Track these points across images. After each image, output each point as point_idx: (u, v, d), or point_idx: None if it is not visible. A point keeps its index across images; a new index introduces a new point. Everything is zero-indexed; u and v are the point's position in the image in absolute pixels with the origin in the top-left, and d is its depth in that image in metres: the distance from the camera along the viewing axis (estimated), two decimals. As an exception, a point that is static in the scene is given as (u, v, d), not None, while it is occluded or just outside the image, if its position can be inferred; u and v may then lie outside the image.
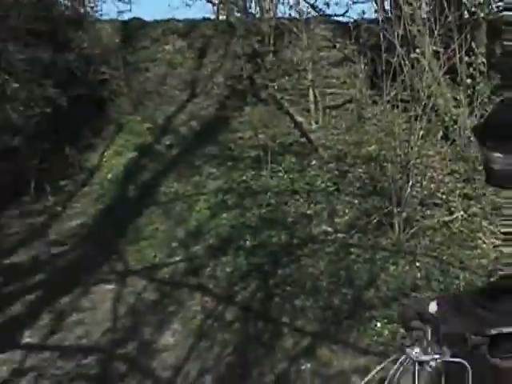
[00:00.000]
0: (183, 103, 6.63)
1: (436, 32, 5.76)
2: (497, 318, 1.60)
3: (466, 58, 5.80)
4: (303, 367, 3.95)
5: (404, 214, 4.96)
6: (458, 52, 5.76)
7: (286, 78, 6.39)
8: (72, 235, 5.24)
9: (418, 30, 6.22)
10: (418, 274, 4.68)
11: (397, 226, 4.95)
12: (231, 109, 6.35)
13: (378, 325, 4.23)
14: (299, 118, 6.07)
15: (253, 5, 6.75)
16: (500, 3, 5.81)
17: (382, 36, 5.58)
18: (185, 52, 7.26)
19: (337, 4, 6.91)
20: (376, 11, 6.59)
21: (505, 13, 1.49)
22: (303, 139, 5.97)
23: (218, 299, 4.53)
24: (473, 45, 5.89)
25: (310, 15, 6.40)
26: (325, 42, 6.88)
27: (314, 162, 5.67)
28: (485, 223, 5.01)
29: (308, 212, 5.22)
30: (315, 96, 6.04)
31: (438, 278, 4.53)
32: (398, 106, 5.35)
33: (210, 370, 4.07)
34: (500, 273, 1.74)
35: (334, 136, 5.94)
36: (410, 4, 6.23)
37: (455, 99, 5.86)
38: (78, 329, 4.30)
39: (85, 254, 5.02)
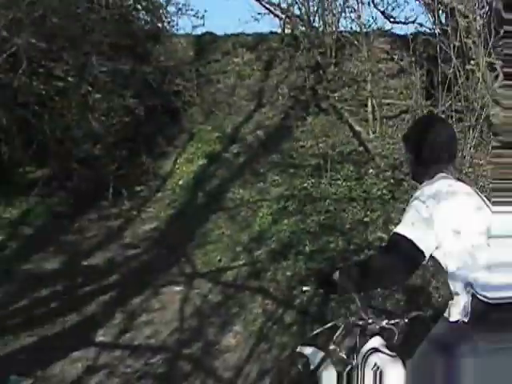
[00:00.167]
0: (250, 113, 6.17)
1: (490, 43, 5.01)
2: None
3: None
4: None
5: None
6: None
7: (347, 88, 5.81)
8: (145, 238, 4.87)
9: (474, 42, 5.45)
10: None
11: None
12: (294, 118, 5.80)
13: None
14: (358, 128, 5.47)
15: (316, 19, 6.20)
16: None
17: (438, 48, 4.87)
18: (253, 64, 6.81)
19: (395, 18, 6.09)
20: (433, 24, 5.79)
21: None
22: (361, 148, 5.36)
23: (277, 302, 4.00)
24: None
25: (370, 29, 5.76)
26: (383, 54, 6.23)
27: (371, 170, 5.06)
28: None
29: (364, 219, 4.62)
30: (373, 106, 5.39)
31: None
32: (452, 117, 4.69)
33: (270, 372, 3.57)
34: None
35: (390, 145, 5.30)
36: (466, 16, 5.47)
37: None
38: (148, 328, 3.88)
39: (156, 257, 4.63)
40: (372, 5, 5.69)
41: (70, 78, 5.07)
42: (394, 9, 5.82)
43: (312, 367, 2.20)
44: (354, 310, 2.18)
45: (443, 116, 4.81)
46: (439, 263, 1.93)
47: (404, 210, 4.69)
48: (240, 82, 6.53)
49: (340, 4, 5.94)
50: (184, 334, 3.85)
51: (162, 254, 4.64)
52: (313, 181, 5.03)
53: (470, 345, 1.73)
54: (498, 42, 5.36)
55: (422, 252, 1.86)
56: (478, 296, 1.80)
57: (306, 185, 5.02)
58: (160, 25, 6.14)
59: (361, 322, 2.10)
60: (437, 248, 1.89)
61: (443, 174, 2.03)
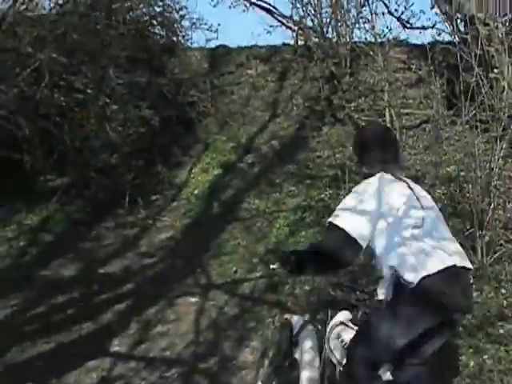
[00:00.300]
0: (265, 123, 6.07)
1: (516, 51, 4.84)
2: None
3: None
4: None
5: (487, 238, 4.04)
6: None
7: (363, 98, 5.64)
8: (161, 247, 4.78)
9: (496, 50, 5.27)
10: (504, 302, 3.76)
11: (479, 249, 4.03)
12: (310, 129, 5.66)
13: (463, 357, 3.37)
14: (376, 138, 5.27)
15: (330, 30, 6.12)
16: None
17: (458, 56, 4.69)
18: (267, 75, 6.71)
19: (411, 26, 5.97)
20: (451, 32, 5.63)
21: None
22: (380, 159, 5.17)
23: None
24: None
25: (385, 38, 5.63)
26: (400, 64, 6.07)
27: (391, 181, 4.85)
28: None
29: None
30: (391, 116, 5.22)
31: (526, 306, 3.60)
32: (477, 127, 4.47)
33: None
34: None
35: (411, 156, 5.09)
36: (487, 24, 5.30)
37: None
38: (163, 340, 3.77)
39: (171, 266, 4.53)
40: (387, 12, 5.56)
41: (89, 91, 5.10)
42: (409, 18, 5.70)
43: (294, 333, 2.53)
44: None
45: (467, 126, 4.64)
46: (369, 248, 2.18)
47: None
48: (254, 93, 6.46)
49: (353, 15, 5.87)
50: (200, 348, 3.72)
51: (177, 263, 4.53)
52: (330, 192, 4.85)
53: (388, 319, 2.11)
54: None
55: (355, 239, 2.10)
56: (399, 279, 2.10)
57: (323, 196, 4.85)
58: (175, 39, 6.18)
59: (330, 298, 2.38)
60: (369, 234, 2.14)
61: (382, 173, 2.28)
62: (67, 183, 5.27)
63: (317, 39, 6.01)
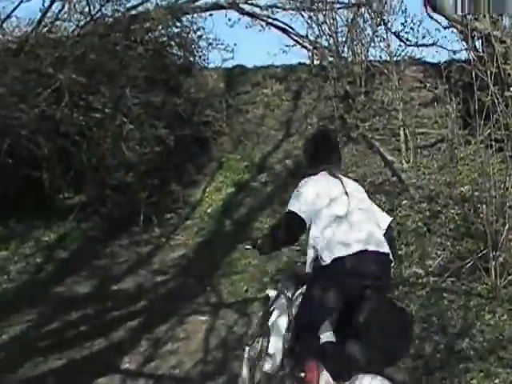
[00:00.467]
0: (279, 142, 6.18)
1: (532, 69, 4.83)
2: None
3: None
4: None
5: (500, 259, 4.02)
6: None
7: (377, 118, 5.69)
8: (173, 265, 4.91)
9: (513, 68, 5.25)
10: (518, 325, 3.73)
11: (493, 271, 4.01)
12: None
13: (474, 381, 3.35)
14: (390, 157, 5.31)
15: (345, 49, 6.21)
16: None
17: (473, 75, 4.70)
18: (282, 95, 6.84)
19: (426, 45, 6.01)
20: (467, 50, 5.64)
21: None
22: (394, 178, 5.18)
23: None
24: None
25: (400, 57, 5.69)
26: (416, 83, 6.11)
27: (404, 201, 4.85)
28: None
29: (398, 253, 4.42)
30: (406, 136, 5.26)
31: (539, 330, 3.56)
32: (491, 146, 4.47)
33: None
34: None
35: (425, 176, 5.09)
36: (503, 42, 5.31)
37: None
38: (172, 358, 3.86)
39: (183, 284, 4.65)
40: (391, 33, 5.60)
41: (106, 110, 5.28)
42: (424, 37, 5.74)
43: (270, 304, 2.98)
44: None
45: (482, 145, 4.64)
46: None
47: (441, 243, 4.33)
48: (269, 112, 6.57)
49: (369, 34, 5.93)
50: (208, 366, 3.78)
51: (189, 281, 4.64)
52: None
53: (309, 290, 2.67)
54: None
55: (301, 217, 2.64)
56: (318, 256, 2.59)
57: (335, 215, 4.93)
58: (192, 59, 6.34)
59: (294, 274, 3.02)
60: (310, 216, 2.64)
61: (324, 172, 2.78)
62: (84, 201, 5.46)
63: (332, 58, 6.08)
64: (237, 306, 4.25)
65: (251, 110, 6.66)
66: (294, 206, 2.68)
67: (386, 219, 2.78)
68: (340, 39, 6.00)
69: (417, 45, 5.79)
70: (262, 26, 6.29)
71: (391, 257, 2.64)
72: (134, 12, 5.94)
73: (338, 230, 2.56)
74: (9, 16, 5.47)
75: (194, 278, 4.67)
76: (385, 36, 5.55)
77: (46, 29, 5.70)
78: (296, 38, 6.35)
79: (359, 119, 5.49)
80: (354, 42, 5.88)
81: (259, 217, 5.19)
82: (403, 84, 5.58)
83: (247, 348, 3.10)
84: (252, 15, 6.33)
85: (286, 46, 6.51)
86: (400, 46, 5.77)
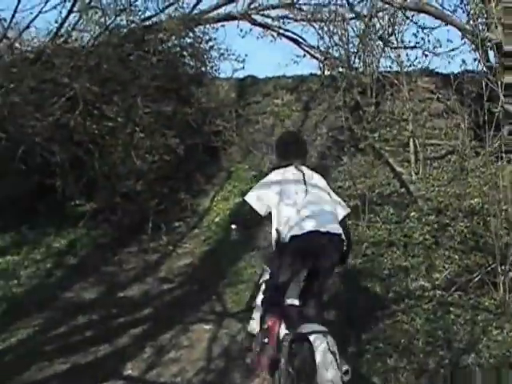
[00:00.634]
0: (288, 152, 6.14)
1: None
2: None
3: None
4: None
5: (510, 274, 3.96)
6: None
7: (388, 129, 5.68)
8: (180, 274, 4.95)
9: (524, 77, 5.18)
10: (527, 342, 3.66)
11: (501, 285, 3.96)
12: (332, 158, 5.76)
13: (479, 398, 3.30)
14: (399, 169, 5.28)
15: (356, 60, 6.20)
16: None
17: (483, 85, 4.66)
18: (292, 105, 6.89)
19: (438, 55, 5.97)
20: (478, 61, 5.59)
21: None
22: (402, 190, 5.17)
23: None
24: None
25: (411, 68, 5.69)
26: (427, 94, 6.07)
27: (412, 213, 4.83)
28: None
29: (405, 265, 4.40)
30: (416, 147, 5.23)
31: (548, 347, 3.48)
32: (502, 158, 4.43)
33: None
34: None
35: (434, 187, 5.07)
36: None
37: None
38: (174, 366, 3.88)
39: (189, 293, 4.68)
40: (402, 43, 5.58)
41: (119, 119, 5.38)
42: (435, 47, 5.71)
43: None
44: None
45: (491, 158, 4.59)
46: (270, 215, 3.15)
47: (449, 256, 4.43)
48: (279, 123, 6.58)
49: (380, 44, 5.92)
50: (210, 375, 3.80)
51: (195, 290, 4.68)
52: (349, 222, 4.87)
53: (273, 262, 3.21)
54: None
55: (255, 209, 3.16)
56: (279, 236, 3.07)
57: (342, 227, 4.92)
58: (203, 69, 6.43)
59: None
60: (267, 205, 3.14)
61: (291, 166, 3.24)
62: (94, 208, 5.53)
63: (343, 69, 6.10)
64: (241, 316, 4.23)
65: (261, 120, 6.69)
66: (250, 197, 3.23)
67: (343, 210, 3.30)
68: (351, 50, 6.02)
69: (427, 52, 5.74)
70: (273, 36, 6.37)
71: (342, 237, 3.11)
72: (148, 23, 6.09)
73: (296, 215, 3.05)
74: (28, 26, 5.67)
75: (200, 286, 4.71)
76: (396, 46, 5.54)
77: (62, 39, 5.88)
78: (307, 48, 6.40)
79: (369, 130, 5.48)
80: (366, 53, 5.87)
81: (266, 226, 5.20)
82: (414, 95, 5.57)
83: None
84: (263, 26, 6.42)
85: (297, 56, 6.57)
86: (409, 56, 5.79)
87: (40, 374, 3.82)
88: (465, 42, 5.38)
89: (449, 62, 5.97)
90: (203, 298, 4.53)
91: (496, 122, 4.43)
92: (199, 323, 4.27)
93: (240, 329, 4.16)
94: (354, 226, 4.88)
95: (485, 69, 4.84)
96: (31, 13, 5.52)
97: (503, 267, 3.95)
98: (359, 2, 6.14)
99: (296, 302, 3.11)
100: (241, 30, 6.52)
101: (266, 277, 3.35)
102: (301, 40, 6.51)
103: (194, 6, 6.24)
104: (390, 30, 5.63)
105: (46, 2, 5.26)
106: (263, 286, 3.33)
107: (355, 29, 6.13)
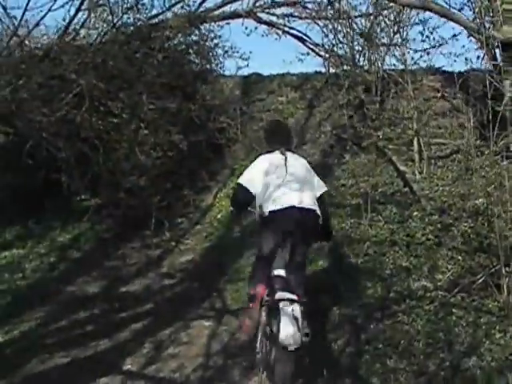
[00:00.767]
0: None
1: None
2: None
3: None
4: None
5: (514, 276, 3.80)
6: None
7: (392, 127, 5.51)
8: (181, 269, 4.86)
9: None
10: (530, 345, 3.49)
11: (505, 288, 3.79)
12: (335, 156, 5.62)
13: (480, 402, 3.15)
14: (402, 168, 5.11)
15: (361, 58, 6.04)
16: None
17: (487, 84, 4.46)
18: (296, 103, 6.74)
19: (444, 54, 5.80)
20: (478, 58, 5.37)
21: None
22: (406, 189, 4.99)
23: (305, 350, 3.76)
24: None
25: (416, 66, 5.51)
26: (433, 92, 5.89)
27: (415, 213, 4.64)
28: None
29: (407, 265, 4.24)
30: (420, 146, 5.06)
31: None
32: (507, 157, 4.25)
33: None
34: None
35: (438, 187, 4.87)
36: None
37: None
38: (173, 362, 3.80)
39: (189, 289, 4.60)
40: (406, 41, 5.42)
41: (124, 115, 5.27)
42: (441, 44, 5.52)
43: None
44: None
45: (496, 157, 4.43)
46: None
47: (452, 257, 4.38)
48: (283, 120, 6.26)
49: (385, 43, 5.74)
50: (208, 372, 3.71)
51: (195, 286, 4.60)
52: (351, 221, 4.75)
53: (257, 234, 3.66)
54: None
55: (248, 189, 3.52)
56: (261, 211, 3.47)
57: (344, 225, 4.75)
58: (208, 66, 6.33)
59: None
60: (257, 185, 3.49)
61: (278, 152, 3.62)
62: (99, 203, 5.46)
63: (347, 67, 5.95)
64: (240, 313, 4.08)
65: (265, 117, 6.52)
66: (242, 178, 3.62)
67: (320, 189, 3.67)
68: (356, 48, 5.86)
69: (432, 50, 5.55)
70: (278, 34, 6.23)
71: (318, 212, 3.47)
72: (154, 21, 5.98)
73: (276, 193, 3.43)
74: (37, 24, 5.62)
75: (201, 282, 4.62)
76: (400, 44, 5.38)
77: (70, 37, 5.82)
78: (312, 46, 6.26)
79: (373, 129, 5.32)
80: (370, 51, 5.71)
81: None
82: (419, 93, 5.38)
83: None
84: (269, 24, 6.29)
85: (302, 54, 6.41)
86: (413, 54, 5.61)
87: (41, 367, 3.78)
88: (471, 40, 5.21)
89: (455, 61, 5.75)
90: (204, 295, 4.43)
91: (502, 121, 4.28)
92: (199, 319, 4.17)
93: (239, 326, 4.03)
94: (356, 224, 4.75)
95: (490, 67, 4.67)
96: (41, 11, 5.44)
97: (507, 269, 3.78)
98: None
99: (282, 273, 3.35)
100: (246, 28, 6.40)
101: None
102: (306, 38, 6.38)
103: (200, 4, 6.16)
104: (396, 27, 5.46)
105: (56, 0, 5.24)
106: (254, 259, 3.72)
107: (361, 26, 5.98)
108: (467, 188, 4.60)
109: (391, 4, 5.36)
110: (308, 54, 6.25)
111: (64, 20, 5.61)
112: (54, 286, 4.82)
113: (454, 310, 3.76)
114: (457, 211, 4.49)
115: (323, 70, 6.56)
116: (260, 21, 6.25)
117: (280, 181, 3.44)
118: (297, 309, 3.16)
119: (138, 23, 5.86)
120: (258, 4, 6.22)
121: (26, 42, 5.76)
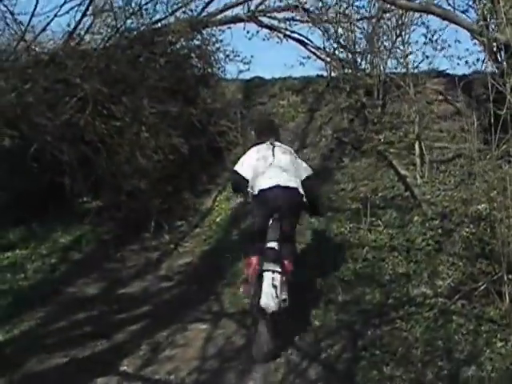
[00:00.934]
0: (291, 153, 5.94)
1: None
2: None
3: None
4: None
5: (516, 283, 3.63)
6: None
7: (393, 131, 5.37)
8: (179, 272, 4.78)
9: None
10: (532, 355, 3.32)
11: (507, 295, 3.63)
12: (336, 160, 5.50)
13: (478, 414, 3.00)
14: (403, 172, 4.96)
15: (362, 61, 5.94)
16: None
17: (490, 86, 4.31)
18: (297, 106, 6.64)
19: (447, 57, 5.65)
20: (486, 62, 5.20)
21: None
22: (407, 194, 4.85)
23: (303, 353, 3.63)
24: None
25: (418, 69, 5.37)
26: (436, 96, 5.74)
27: (416, 217, 4.50)
28: None
29: (406, 271, 4.10)
30: (421, 149, 4.91)
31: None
32: (510, 161, 4.09)
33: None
34: None
35: (440, 192, 4.73)
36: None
37: None
38: (169, 364, 3.68)
39: (187, 292, 4.50)
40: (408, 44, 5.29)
41: (126, 119, 5.25)
42: (443, 48, 5.37)
43: None
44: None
45: (499, 161, 4.27)
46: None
47: (453, 263, 4.32)
48: (284, 124, 6.33)
49: (387, 46, 5.60)
50: (203, 375, 3.58)
51: (193, 289, 4.50)
52: (351, 226, 4.63)
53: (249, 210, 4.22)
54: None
55: (243, 176, 3.99)
56: (252, 191, 3.91)
57: (343, 229, 4.64)
58: (210, 70, 6.28)
59: None
60: (250, 172, 3.96)
61: (266, 143, 4.11)
62: (100, 206, 5.43)
63: (349, 70, 5.83)
64: (237, 317, 4.04)
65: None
66: (237, 166, 4.09)
67: (306, 172, 4.04)
68: (357, 51, 5.73)
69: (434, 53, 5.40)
70: (279, 38, 6.17)
71: (300, 191, 3.86)
72: (157, 25, 5.94)
73: (264, 175, 3.87)
74: (44, 29, 5.61)
75: (199, 285, 4.52)
76: (401, 47, 5.24)
77: (75, 41, 5.80)
78: (313, 49, 6.17)
79: (374, 132, 5.19)
80: (372, 54, 5.59)
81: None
82: (422, 97, 5.24)
83: None
84: (270, 28, 6.22)
85: (303, 57, 6.36)
86: (416, 57, 5.46)
87: (40, 366, 3.70)
88: (475, 44, 5.06)
89: (458, 64, 5.59)
90: (201, 297, 4.34)
91: (505, 125, 4.13)
92: (196, 322, 4.06)
93: (236, 330, 3.96)
94: (355, 229, 4.63)
95: (492, 70, 4.51)
96: (48, 16, 5.44)
97: (510, 276, 3.62)
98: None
99: (274, 245, 3.70)
100: (247, 32, 6.38)
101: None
102: (307, 41, 6.30)
103: (203, 9, 6.14)
104: (398, 31, 5.32)
105: (61, 6, 5.23)
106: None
107: (362, 29, 5.89)
108: (469, 193, 4.45)
109: (393, 7, 5.23)
110: (309, 57, 6.21)
111: (69, 25, 5.65)
112: (54, 287, 4.75)
113: (454, 318, 3.61)
114: (458, 216, 4.34)
115: (325, 74, 6.49)
116: (261, 25, 6.19)
117: (268, 165, 3.92)
118: (277, 277, 3.54)
119: (142, 28, 5.84)
120: (259, 8, 6.15)
121: (33, 47, 5.78)
